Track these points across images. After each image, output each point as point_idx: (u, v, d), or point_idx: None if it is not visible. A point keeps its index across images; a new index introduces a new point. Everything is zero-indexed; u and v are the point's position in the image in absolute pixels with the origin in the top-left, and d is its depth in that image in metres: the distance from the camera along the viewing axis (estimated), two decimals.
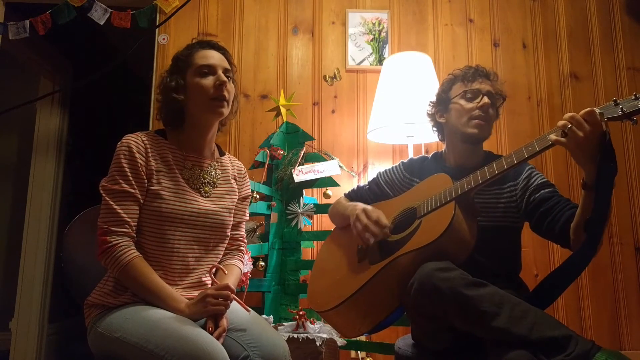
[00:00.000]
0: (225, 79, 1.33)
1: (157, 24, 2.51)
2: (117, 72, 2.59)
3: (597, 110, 1.13)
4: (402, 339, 1.50)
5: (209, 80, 1.32)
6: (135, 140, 1.28)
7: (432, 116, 1.61)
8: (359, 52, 2.54)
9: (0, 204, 3.46)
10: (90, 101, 3.81)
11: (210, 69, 1.33)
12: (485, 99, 1.45)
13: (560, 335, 1.02)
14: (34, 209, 3.19)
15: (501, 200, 1.44)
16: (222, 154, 1.47)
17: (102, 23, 2.47)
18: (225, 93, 1.32)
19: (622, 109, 1.09)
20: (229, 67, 1.38)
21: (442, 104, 1.55)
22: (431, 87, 2.09)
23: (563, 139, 1.15)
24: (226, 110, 1.35)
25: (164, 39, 2.50)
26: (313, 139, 2.23)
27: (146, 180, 1.26)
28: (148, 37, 2.52)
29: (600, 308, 2.38)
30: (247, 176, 1.52)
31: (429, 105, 1.62)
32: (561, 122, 1.16)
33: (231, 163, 1.48)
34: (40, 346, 3.08)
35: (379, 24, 2.57)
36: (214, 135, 1.41)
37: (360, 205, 1.49)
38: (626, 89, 2.57)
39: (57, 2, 2.47)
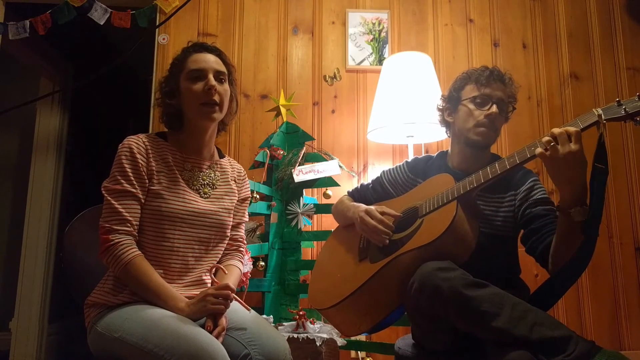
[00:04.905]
0: (213, 82, 1.31)
1: (157, 24, 2.51)
2: (117, 72, 2.58)
3: (597, 112, 1.12)
4: (402, 339, 1.50)
5: (198, 85, 1.31)
6: (136, 142, 1.29)
7: (441, 112, 1.59)
8: (359, 52, 2.54)
9: (0, 204, 3.46)
10: (90, 101, 3.81)
11: (201, 73, 1.32)
12: (494, 108, 1.42)
13: (561, 336, 1.02)
14: (34, 209, 3.19)
15: (501, 209, 1.43)
16: (221, 156, 1.48)
17: (102, 23, 2.47)
18: (216, 97, 1.32)
19: (625, 109, 1.10)
20: (223, 69, 1.36)
21: (451, 102, 1.53)
22: (431, 87, 2.09)
23: (546, 153, 1.15)
24: (218, 115, 1.34)
25: (164, 39, 2.50)
26: (313, 139, 2.23)
27: (147, 180, 1.28)
28: (148, 37, 2.52)
29: (600, 308, 2.37)
30: (247, 178, 1.53)
31: (440, 99, 1.60)
32: (545, 138, 1.16)
33: (231, 165, 1.49)
34: (40, 346, 3.08)
35: (379, 24, 2.57)
36: (213, 137, 1.42)
37: (362, 207, 1.49)
38: (626, 89, 2.57)
39: (57, 2, 2.47)
